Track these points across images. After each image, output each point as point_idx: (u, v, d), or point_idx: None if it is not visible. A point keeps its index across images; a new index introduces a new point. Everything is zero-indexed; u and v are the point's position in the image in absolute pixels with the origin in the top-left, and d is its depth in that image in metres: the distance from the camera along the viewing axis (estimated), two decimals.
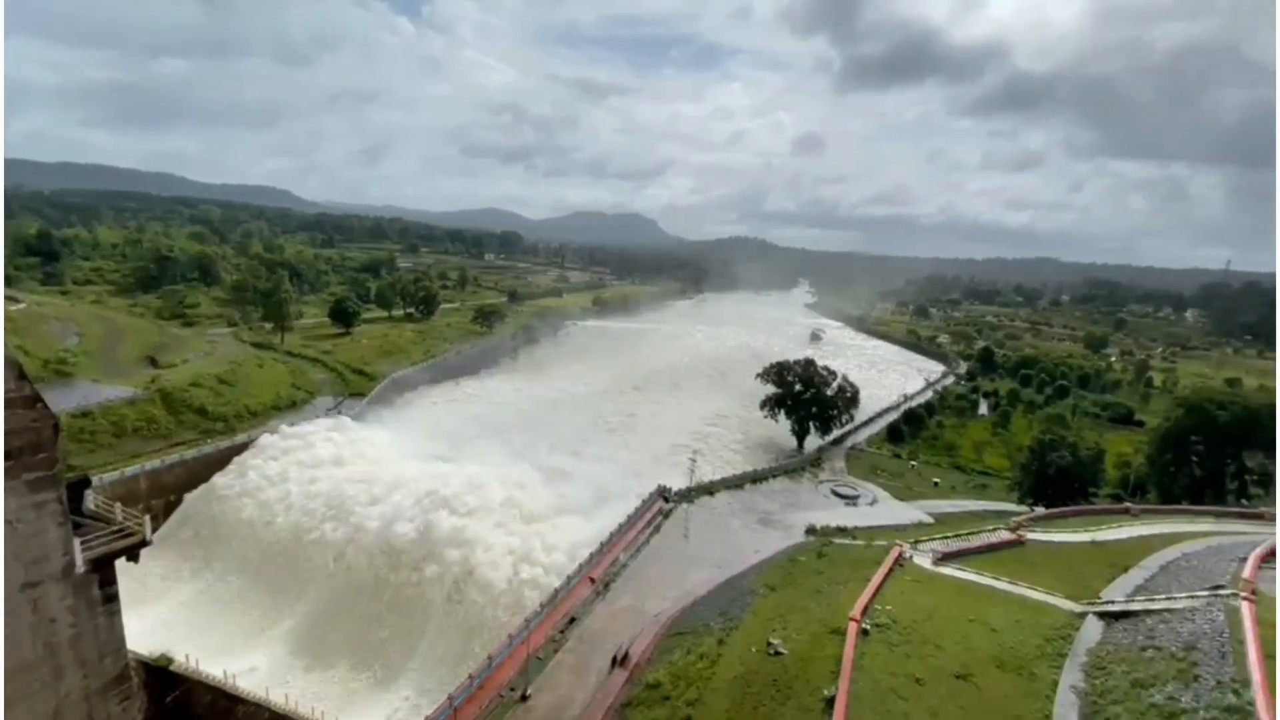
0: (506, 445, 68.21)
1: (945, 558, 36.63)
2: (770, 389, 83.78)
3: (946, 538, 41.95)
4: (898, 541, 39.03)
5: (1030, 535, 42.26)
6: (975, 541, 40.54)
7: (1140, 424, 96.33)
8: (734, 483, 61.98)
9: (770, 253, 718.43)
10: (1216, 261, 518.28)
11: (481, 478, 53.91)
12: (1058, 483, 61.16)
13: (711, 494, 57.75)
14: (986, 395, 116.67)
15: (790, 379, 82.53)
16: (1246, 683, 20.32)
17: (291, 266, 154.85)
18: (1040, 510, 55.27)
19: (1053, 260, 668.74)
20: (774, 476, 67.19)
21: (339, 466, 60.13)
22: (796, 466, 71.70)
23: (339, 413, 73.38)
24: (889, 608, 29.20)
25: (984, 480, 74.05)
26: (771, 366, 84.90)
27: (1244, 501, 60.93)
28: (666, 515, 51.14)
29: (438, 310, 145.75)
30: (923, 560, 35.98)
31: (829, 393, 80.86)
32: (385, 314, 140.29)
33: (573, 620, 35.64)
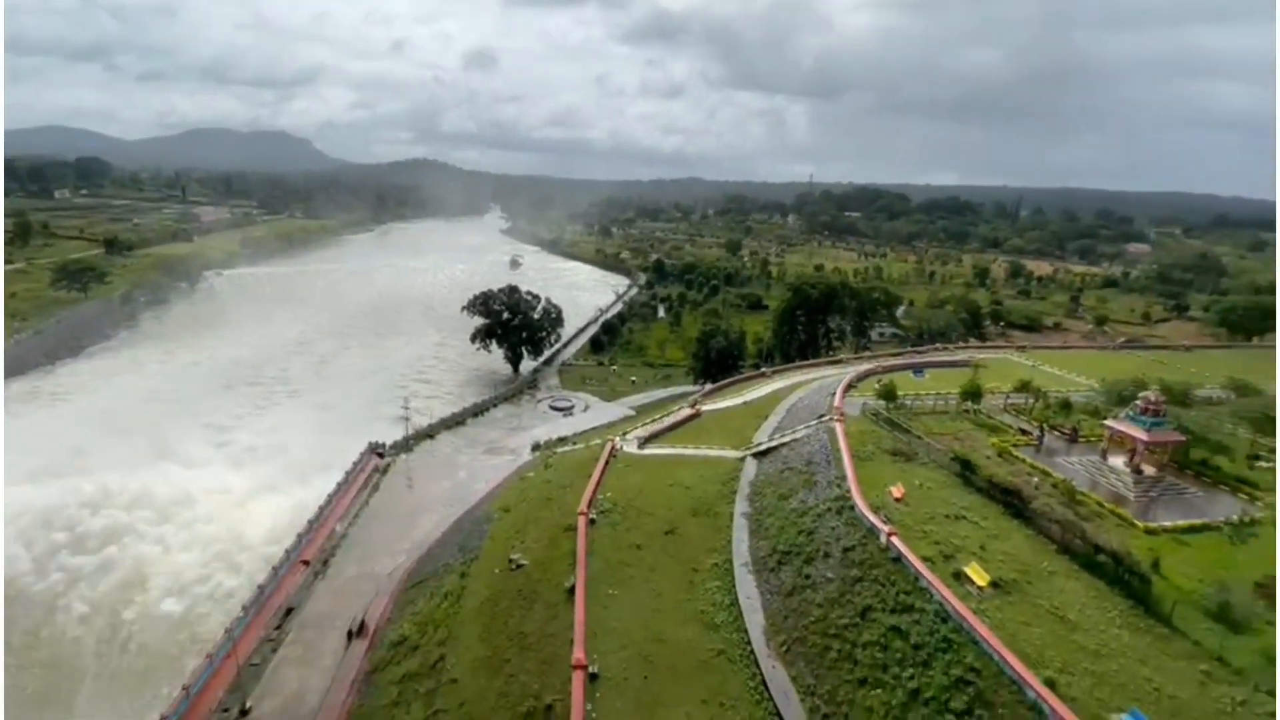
0: (151, 436, 54.06)
1: (647, 440, 42.72)
2: (479, 320, 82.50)
3: (646, 424, 48.68)
4: (609, 437, 43.78)
5: (704, 407, 51.75)
6: (666, 422, 47.96)
7: (766, 307, 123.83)
8: (454, 421, 60.68)
9: (455, 176, 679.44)
10: (803, 176, 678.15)
11: (123, 485, 42.14)
12: (718, 362, 76.06)
13: (432, 437, 55.70)
14: (663, 300, 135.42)
15: (497, 308, 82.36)
16: (843, 477, 28.92)
17: None
18: (709, 386, 67.85)
19: (700, 179, 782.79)
20: (495, 406, 67.86)
21: None
22: (515, 391, 73.50)
23: None
24: (610, 495, 33.05)
25: (668, 372, 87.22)
26: (477, 298, 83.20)
27: (830, 353, 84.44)
28: (384, 471, 47.78)
29: None
30: (630, 448, 41.28)
31: (535, 316, 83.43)
32: None
33: (290, 611, 31.52)
